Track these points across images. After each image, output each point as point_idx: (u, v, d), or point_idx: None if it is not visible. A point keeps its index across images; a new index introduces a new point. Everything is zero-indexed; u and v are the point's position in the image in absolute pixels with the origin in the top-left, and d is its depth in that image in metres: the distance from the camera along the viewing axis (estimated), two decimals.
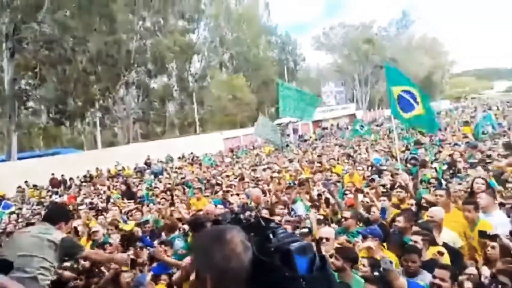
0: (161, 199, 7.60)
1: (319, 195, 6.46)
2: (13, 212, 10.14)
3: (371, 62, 43.45)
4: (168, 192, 8.82)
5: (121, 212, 7.37)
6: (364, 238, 3.76)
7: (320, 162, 11.25)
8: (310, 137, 26.82)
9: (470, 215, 3.74)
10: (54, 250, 2.74)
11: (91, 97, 27.14)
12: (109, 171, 18.28)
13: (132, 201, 8.98)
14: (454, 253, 3.51)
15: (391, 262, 2.86)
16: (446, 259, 3.32)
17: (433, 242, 3.57)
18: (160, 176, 14.52)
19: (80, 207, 8.63)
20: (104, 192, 11.61)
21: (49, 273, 2.75)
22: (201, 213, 5.83)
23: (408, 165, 8.12)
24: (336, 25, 47.81)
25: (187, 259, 3.87)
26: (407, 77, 7.30)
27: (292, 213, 5.64)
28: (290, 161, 12.91)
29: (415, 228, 3.67)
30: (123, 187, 11.07)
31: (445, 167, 7.84)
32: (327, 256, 1.99)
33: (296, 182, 7.76)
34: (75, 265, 3.80)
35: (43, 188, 15.70)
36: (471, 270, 3.19)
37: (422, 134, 15.52)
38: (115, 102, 30.20)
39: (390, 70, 7.09)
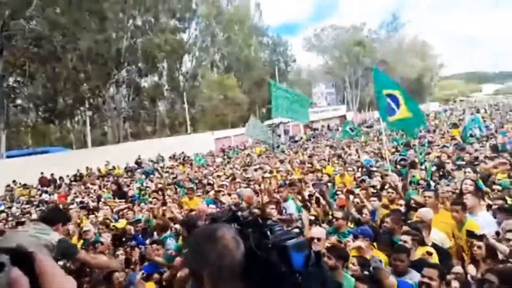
0: (153, 198, 7.57)
1: (310, 195, 6.52)
2: (2, 211, 9.98)
3: (362, 64, 43.91)
4: (159, 192, 8.79)
5: (112, 211, 7.33)
6: (355, 238, 3.84)
7: (311, 163, 11.36)
8: (301, 138, 26.98)
9: (458, 216, 3.84)
10: (50, 250, 2.75)
11: (81, 96, 26.77)
12: (99, 170, 18.09)
13: (123, 200, 8.93)
14: (443, 253, 3.60)
15: (380, 261, 2.93)
16: (434, 259, 3.40)
17: (422, 243, 3.65)
18: (152, 176, 14.43)
19: (70, 206, 8.54)
20: (95, 191, 11.50)
21: None
22: (193, 213, 5.85)
23: (398, 167, 8.26)
24: (327, 26, 48.24)
25: (177, 260, 3.90)
26: (393, 80, 7.44)
27: (284, 211, 5.69)
28: (281, 161, 12.99)
29: (405, 228, 3.75)
30: (114, 187, 10.98)
31: (433, 168, 8.00)
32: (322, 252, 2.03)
33: (287, 182, 7.83)
34: (67, 264, 3.78)
35: (32, 187, 15.47)
36: (458, 269, 3.28)
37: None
38: (105, 101, 29.87)
39: (378, 73, 7.21)
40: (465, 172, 6.33)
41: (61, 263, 3.73)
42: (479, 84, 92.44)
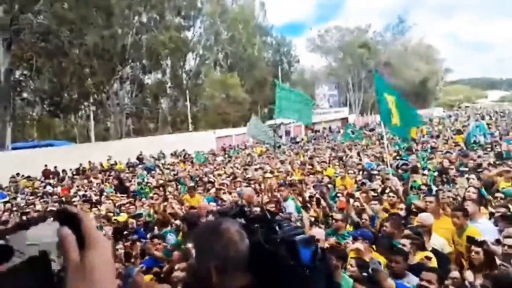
0: (154, 194, 7.62)
1: (310, 196, 6.55)
2: (7, 202, 10.10)
3: (366, 67, 43.80)
4: (161, 188, 8.84)
5: (114, 205, 7.38)
6: (354, 239, 3.86)
7: (312, 165, 11.37)
8: (302, 139, 26.97)
9: (459, 222, 3.85)
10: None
11: (85, 91, 26.94)
12: (101, 164, 18.20)
13: (125, 195, 8.98)
14: (442, 258, 3.62)
15: (380, 263, 2.95)
16: (433, 264, 3.42)
17: (422, 247, 3.67)
18: (153, 172, 14.50)
19: (73, 199, 8.61)
20: (98, 185, 11.58)
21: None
22: (194, 210, 5.90)
23: (400, 171, 8.27)
24: (332, 27, 48.12)
25: (175, 254, 3.95)
26: (391, 85, 7.59)
27: (283, 210, 5.73)
28: (282, 162, 13.02)
29: (406, 232, 3.77)
30: (116, 182, 11.04)
31: (435, 174, 8.01)
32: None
33: (287, 182, 7.86)
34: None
35: (36, 179, 15.61)
36: (455, 274, 3.29)
37: (414, 141, 15.74)
38: (109, 97, 29.99)
39: (378, 77, 7.32)
40: (468, 179, 6.33)
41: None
42: (484, 91, 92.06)
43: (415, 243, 3.62)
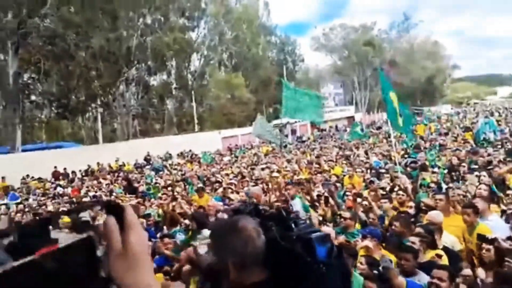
0: (163, 194, 7.68)
1: (318, 195, 6.55)
2: (20, 203, 10.29)
3: (371, 65, 43.51)
4: (169, 188, 8.91)
5: None
6: (364, 238, 3.86)
7: (319, 163, 11.35)
8: (308, 138, 26.91)
9: (469, 219, 3.83)
10: None
11: (92, 93, 27.21)
12: (110, 166, 18.39)
13: (134, 195, 9.07)
14: (453, 256, 3.60)
15: (391, 261, 2.95)
16: (444, 262, 3.40)
17: (433, 245, 3.66)
18: (161, 172, 14.61)
19: (84, 200, 8.72)
20: (107, 185, 11.71)
21: None
22: (202, 209, 5.95)
23: (408, 169, 8.22)
24: (337, 26, 47.88)
25: (183, 253, 4.00)
26: (391, 83, 7.67)
27: (290, 208, 5.74)
28: (288, 161, 13.01)
29: (417, 230, 3.75)
30: (124, 183, 11.15)
31: (445, 171, 7.95)
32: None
33: (294, 181, 7.87)
34: None
35: (46, 180, 15.84)
36: (467, 272, 3.28)
37: (422, 139, 15.62)
38: (115, 99, 30.25)
39: (383, 75, 7.36)
40: (479, 176, 6.28)
41: None
42: (493, 87, 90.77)
43: (424, 241, 3.61)
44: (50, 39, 23.22)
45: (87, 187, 12.78)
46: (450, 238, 3.86)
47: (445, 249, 3.63)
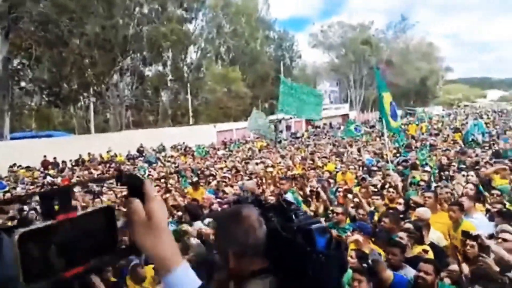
0: (156, 186, 7.71)
1: (311, 191, 6.65)
2: (7, 191, 10.16)
3: (368, 63, 43.72)
4: (162, 180, 8.93)
5: (116, 196, 7.47)
6: (354, 232, 3.97)
7: (312, 160, 11.47)
8: (303, 135, 27.05)
9: (455, 216, 3.97)
10: None
11: (85, 81, 26.82)
12: (101, 156, 18.26)
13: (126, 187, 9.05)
14: (438, 251, 3.74)
15: (380, 254, 3.06)
16: (430, 257, 3.54)
17: (420, 241, 3.79)
18: (154, 165, 14.58)
19: (75, 190, 8.66)
20: (99, 175, 11.65)
21: None
22: (195, 201, 6.02)
23: (400, 167, 8.38)
24: (335, 23, 47.92)
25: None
26: (386, 84, 7.79)
27: None
28: (282, 157, 13.11)
29: (407, 225, 3.87)
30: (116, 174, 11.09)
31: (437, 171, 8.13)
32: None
33: (289, 176, 7.96)
34: None
35: (35, 169, 15.66)
36: (454, 267, 3.42)
37: (413, 138, 15.86)
38: (109, 88, 29.92)
39: (378, 75, 7.44)
40: (467, 176, 6.46)
41: None
42: (484, 90, 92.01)
43: (412, 237, 3.74)
44: (42, 25, 22.75)
45: (77, 177, 12.68)
46: (436, 234, 4.01)
47: (432, 244, 3.76)
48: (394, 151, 12.49)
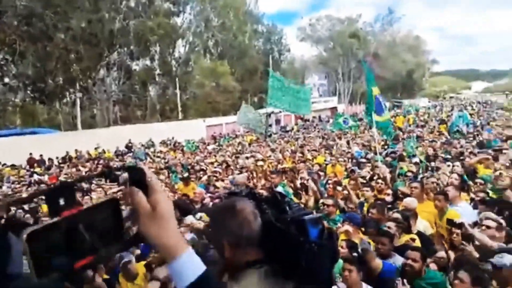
0: None
1: (301, 184, 6.73)
2: None
3: (355, 57, 44.03)
4: None
5: (105, 193, 7.42)
6: (344, 223, 4.06)
7: (302, 153, 11.57)
8: (292, 128, 27.17)
9: (440, 205, 4.10)
10: None
11: (71, 77, 26.27)
12: (88, 153, 18.00)
13: (115, 183, 8.99)
14: (425, 239, 3.87)
15: (369, 243, 3.15)
16: (417, 245, 3.65)
17: (408, 230, 3.90)
18: (143, 160, 14.47)
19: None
20: (86, 173, 11.51)
21: None
22: (184, 198, 6.03)
23: (388, 159, 8.53)
24: (323, 17, 48.01)
25: None
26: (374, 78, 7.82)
27: None
28: (272, 150, 13.17)
29: (395, 215, 3.98)
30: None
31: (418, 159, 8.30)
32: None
33: (279, 170, 8.03)
34: None
35: (21, 167, 15.36)
36: (441, 254, 3.54)
37: (400, 130, 16.12)
38: (95, 83, 29.41)
39: (368, 68, 7.52)
40: (452, 166, 6.63)
41: None
42: (469, 82, 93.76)
43: (400, 226, 3.85)
44: (26, 19, 22.14)
45: (65, 174, 12.51)
46: (423, 223, 4.13)
47: (419, 233, 3.88)
48: (382, 143, 12.70)
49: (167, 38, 33.30)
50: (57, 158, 16.94)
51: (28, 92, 27.44)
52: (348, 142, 13.85)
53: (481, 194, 4.76)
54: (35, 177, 12.29)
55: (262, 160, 10.10)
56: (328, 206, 4.67)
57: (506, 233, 3.58)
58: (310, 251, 1.08)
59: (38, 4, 21.43)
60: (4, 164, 15.37)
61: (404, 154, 8.69)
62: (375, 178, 6.18)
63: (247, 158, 11.53)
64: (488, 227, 3.51)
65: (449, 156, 8.40)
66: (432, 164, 7.79)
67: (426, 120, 21.45)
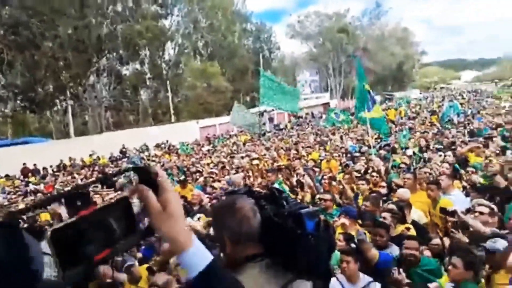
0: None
1: (297, 180, 6.80)
2: None
3: (345, 52, 44.25)
4: None
5: (103, 199, 7.41)
6: (340, 216, 4.14)
7: (297, 150, 11.65)
8: (286, 126, 27.26)
9: (433, 194, 4.20)
10: None
11: (61, 84, 26.05)
12: (82, 160, 17.91)
13: (112, 189, 8.97)
14: (420, 228, 3.96)
15: (365, 233, 3.23)
16: (412, 234, 3.74)
17: (402, 220, 3.99)
18: (139, 165, 14.42)
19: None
20: (82, 180, 11.48)
21: None
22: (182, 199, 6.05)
23: (382, 152, 8.64)
24: (311, 13, 48.10)
25: (165, 245, 4.10)
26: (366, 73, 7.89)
27: None
28: (267, 149, 13.24)
29: (390, 206, 4.07)
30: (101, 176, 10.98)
31: (412, 152, 8.41)
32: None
33: (275, 168, 8.09)
34: None
35: (15, 177, 15.25)
36: (436, 241, 3.64)
37: (393, 123, 16.28)
38: (86, 90, 29.20)
39: (359, 64, 7.59)
40: (444, 156, 6.76)
41: None
42: (458, 72, 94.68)
43: (395, 217, 3.93)
44: (13, 28, 21.91)
45: (62, 182, 12.46)
46: (417, 213, 4.23)
47: (413, 223, 3.98)
48: (375, 136, 12.83)
49: (156, 41, 33.15)
50: (51, 166, 16.83)
51: (18, 101, 27.17)
52: (341, 137, 13.96)
53: (473, 181, 4.87)
54: (31, 186, 12.21)
55: (258, 159, 10.16)
56: (325, 201, 4.75)
57: (498, 218, 3.69)
58: (307, 242, 1.14)
59: (24, 13, 21.20)
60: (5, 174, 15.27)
61: (397, 146, 8.81)
62: (369, 171, 6.27)
63: (242, 158, 11.58)
64: (481, 213, 3.61)
65: (441, 146, 8.54)
66: (425, 155, 7.91)
67: (418, 111, 21.68)
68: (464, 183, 5.16)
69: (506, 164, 5.36)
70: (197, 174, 9.52)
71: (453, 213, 3.60)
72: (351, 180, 6.12)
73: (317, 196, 5.42)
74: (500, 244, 2.80)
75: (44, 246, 0.63)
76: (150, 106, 36.63)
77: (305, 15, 48.04)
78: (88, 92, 29.50)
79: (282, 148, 13.11)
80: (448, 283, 2.68)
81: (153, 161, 15.79)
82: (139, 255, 4.34)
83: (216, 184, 7.43)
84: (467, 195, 4.59)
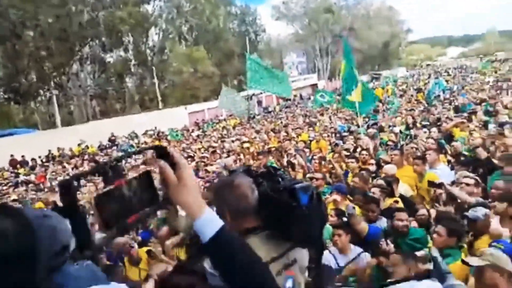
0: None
1: (288, 161, 6.93)
2: None
3: (331, 32, 44.01)
4: (141, 167, 8.91)
5: (96, 188, 7.44)
6: (331, 193, 4.29)
7: (287, 132, 11.77)
8: (275, 108, 27.30)
9: (418, 168, 4.38)
10: None
11: (44, 74, 25.37)
12: (71, 150, 17.74)
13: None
14: (407, 201, 4.15)
15: (353, 208, 3.38)
16: (400, 206, 3.92)
17: (391, 194, 4.17)
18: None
19: (53, 185, 8.54)
20: (73, 169, 11.44)
21: None
22: None
23: (370, 130, 8.81)
24: None
25: (164, 229, 4.21)
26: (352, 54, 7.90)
27: None
28: (257, 132, 13.33)
29: (379, 182, 4.23)
30: (92, 165, 10.95)
31: (397, 129, 8.62)
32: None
33: (266, 150, 8.20)
34: None
35: (4, 169, 15.06)
36: (423, 211, 3.83)
37: (380, 101, 16.47)
38: (70, 79, 28.54)
39: (346, 45, 7.60)
40: (429, 132, 6.97)
41: None
42: (444, 48, 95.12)
43: (384, 191, 4.10)
44: None
45: (53, 171, 12.40)
46: (404, 187, 4.41)
47: (401, 196, 4.16)
48: (364, 115, 13.00)
49: (139, 27, 32.35)
50: (39, 157, 16.64)
51: (2, 93, 26.45)
52: (330, 118, 14.12)
53: (457, 156, 5.07)
54: (22, 177, 12.12)
55: (248, 142, 10.25)
56: (317, 180, 4.89)
57: (482, 188, 3.89)
58: (301, 213, 1.27)
59: (2, 3, 20.35)
60: None
61: (383, 125, 8.99)
62: (358, 150, 6.43)
63: (233, 141, 11.66)
64: (467, 184, 3.79)
65: (427, 123, 8.75)
66: (411, 132, 8.12)
67: (405, 89, 21.93)
68: (449, 157, 5.37)
69: (488, 137, 5.59)
70: (189, 159, 9.57)
71: (441, 185, 3.78)
72: (341, 159, 6.27)
73: (307, 175, 5.57)
74: (481, 212, 2.98)
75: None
76: (137, 93, 36.09)
77: None
78: (72, 81, 28.87)
79: (272, 130, 13.21)
80: (433, 248, 2.85)
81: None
82: (139, 238, 4.46)
83: (209, 168, 7.52)
84: (452, 168, 4.79)
